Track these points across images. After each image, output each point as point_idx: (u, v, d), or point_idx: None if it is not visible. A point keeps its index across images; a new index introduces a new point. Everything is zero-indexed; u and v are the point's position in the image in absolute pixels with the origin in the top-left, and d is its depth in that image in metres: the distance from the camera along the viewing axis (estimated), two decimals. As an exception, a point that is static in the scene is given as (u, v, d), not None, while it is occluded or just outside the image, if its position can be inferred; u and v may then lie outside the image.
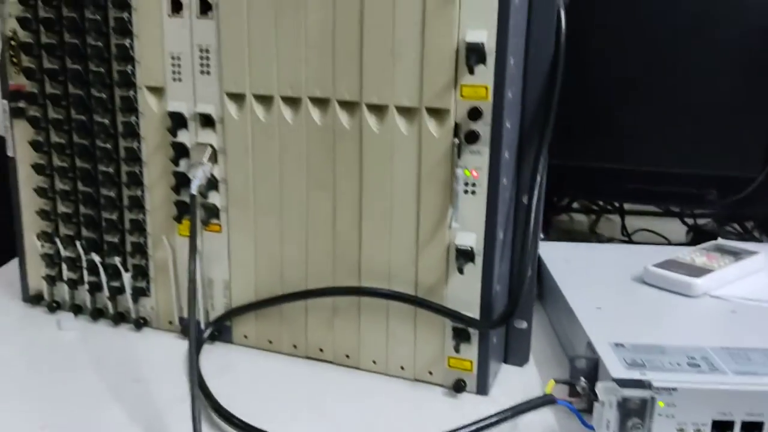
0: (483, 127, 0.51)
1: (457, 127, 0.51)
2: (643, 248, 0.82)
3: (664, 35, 0.80)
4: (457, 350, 0.55)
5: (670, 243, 0.93)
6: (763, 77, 0.78)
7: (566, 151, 0.74)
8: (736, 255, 0.72)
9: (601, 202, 1.01)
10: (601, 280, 0.68)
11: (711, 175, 0.83)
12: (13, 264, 0.77)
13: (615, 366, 0.49)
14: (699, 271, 0.67)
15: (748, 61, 0.79)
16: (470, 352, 0.55)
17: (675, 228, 0.97)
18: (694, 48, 0.80)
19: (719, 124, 0.81)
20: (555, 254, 0.75)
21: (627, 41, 0.81)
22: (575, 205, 1.04)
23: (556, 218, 1.05)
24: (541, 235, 0.84)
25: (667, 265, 0.68)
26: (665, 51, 0.80)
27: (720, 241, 0.78)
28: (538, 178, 0.54)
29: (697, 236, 0.92)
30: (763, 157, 0.80)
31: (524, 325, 0.59)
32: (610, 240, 0.97)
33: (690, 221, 0.95)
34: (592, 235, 1.00)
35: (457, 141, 0.51)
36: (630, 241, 0.94)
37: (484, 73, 0.49)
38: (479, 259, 0.53)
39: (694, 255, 0.71)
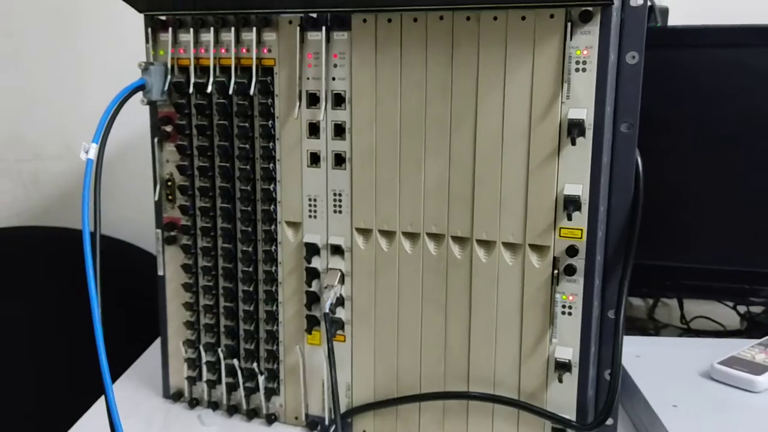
0: (578, 261, 0.61)
1: (555, 260, 0.62)
2: (704, 341, 0.91)
3: (717, 143, 0.90)
4: (555, 447, 0.64)
5: (725, 329, 1.02)
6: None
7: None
8: (792, 350, 0.80)
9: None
10: (672, 377, 0.77)
11: (762, 272, 0.91)
12: (145, 361, 0.89)
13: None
14: (760, 369, 0.75)
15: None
16: (567, 448, 0.64)
17: (730, 313, 1.05)
18: (744, 153, 0.90)
19: (766, 225, 0.91)
20: (626, 350, 0.83)
21: (680, 157, 0.91)
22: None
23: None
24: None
25: (731, 362, 0.77)
26: (717, 158, 0.91)
27: (772, 334, 0.87)
28: (623, 299, 0.64)
29: (750, 324, 1.00)
30: (810, 256, 0.89)
31: (611, 421, 0.68)
32: (667, 326, 1.06)
33: (743, 310, 1.03)
34: (649, 321, 1.08)
35: (556, 272, 0.62)
36: (689, 329, 1.03)
37: (580, 219, 0.60)
38: (575, 370, 0.63)
39: (754, 351, 0.80)
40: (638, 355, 0.83)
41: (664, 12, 1.05)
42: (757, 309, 1.03)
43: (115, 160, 1.13)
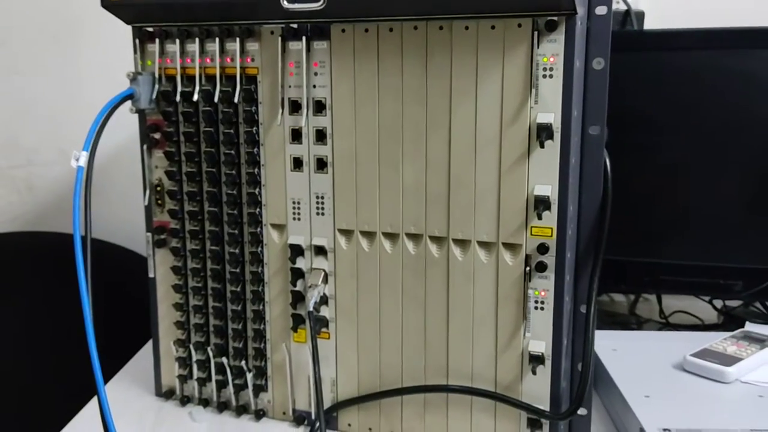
0: (549, 258, 0.64)
1: (527, 257, 0.64)
2: (680, 335, 0.94)
3: (693, 143, 0.93)
4: (531, 437, 0.67)
5: (703, 323, 1.05)
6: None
7: (608, 247, 0.86)
8: (762, 342, 0.83)
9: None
10: (646, 369, 0.80)
11: (736, 267, 0.94)
12: (137, 361, 0.92)
13: (665, 451, 0.61)
14: (730, 360, 0.78)
15: (759, 169, 0.92)
16: (542, 438, 0.67)
17: (709, 308, 1.08)
18: (717, 159, 0.93)
19: (740, 221, 0.94)
20: (604, 343, 0.87)
21: (657, 157, 0.95)
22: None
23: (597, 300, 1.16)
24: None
25: (703, 354, 0.80)
26: (692, 161, 0.94)
27: (747, 327, 0.90)
28: (593, 294, 0.67)
29: (727, 318, 1.04)
30: (782, 252, 0.92)
31: (585, 412, 0.71)
32: (648, 321, 1.09)
33: (720, 304, 1.06)
34: (631, 317, 1.11)
35: (528, 269, 0.64)
36: (667, 323, 1.06)
37: (550, 218, 0.63)
38: (548, 362, 0.66)
39: (726, 344, 0.83)
40: (615, 348, 0.86)
41: (640, 16, 1.08)
42: (734, 303, 1.07)
43: (109, 165, 1.16)
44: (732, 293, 0.96)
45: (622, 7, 1.09)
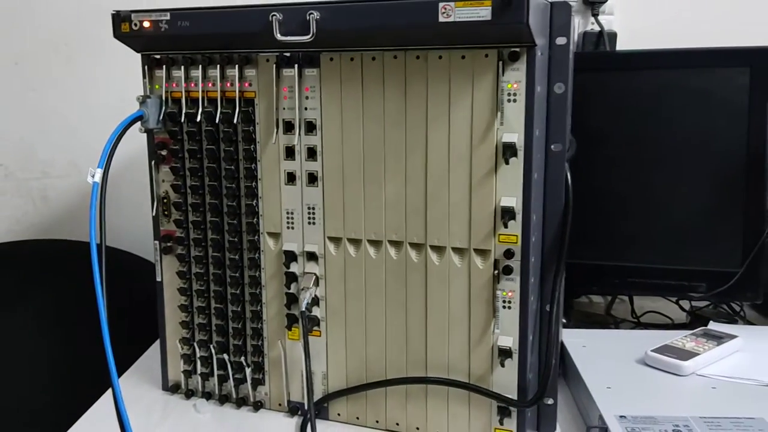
0: (515, 262, 0.71)
1: (496, 262, 0.72)
2: (647, 333, 1.01)
3: (656, 162, 1.01)
4: (501, 423, 0.75)
5: (673, 322, 1.12)
6: (732, 194, 0.98)
7: (581, 252, 0.93)
8: (719, 339, 0.90)
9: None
10: (611, 363, 0.87)
11: (700, 270, 1.02)
12: (145, 359, 0.99)
13: (618, 434, 0.69)
14: (688, 355, 0.86)
15: (719, 180, 0.99)
16: (511, 424, 0.75)
17: (677, 308, 1.15)
18: (681, 170, 1.01)
19: (703, 228, 1.01)
20: (576, 340, 0.94)
21: (626, 168, 1.02)
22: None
23: (576, 301, 1.24)
24: (564, 321, 1.04)
25: (663, 349, 0.87)
26: (658, 172, 1.01)
27: (710, 325, 0.97)
28: (557, 294, 0.74)
29: (693, 318, 1.11)
30: (741, 255, 0.99)
31: (551, 401, 0.78)
32: (623, 320, 1.16)
33: (687, 305, 1.14)
34: (608, 317, 1.19)
35: (496, 272, 0.72)
36: (638, 323, 1.13)
37: (515, 226, 0.71)
38: (516, 356, 0.73)
39: (685, 340, 0.90)
40: (585, 345, 0.93)
41: (612, 37, 1.16)
42: (701, 303, 1.14)
43: (119, 179, 1.23)
44: (696, 294, 1.03)
45: (597, 28, 1.17)
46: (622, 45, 1.17)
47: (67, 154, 1.34)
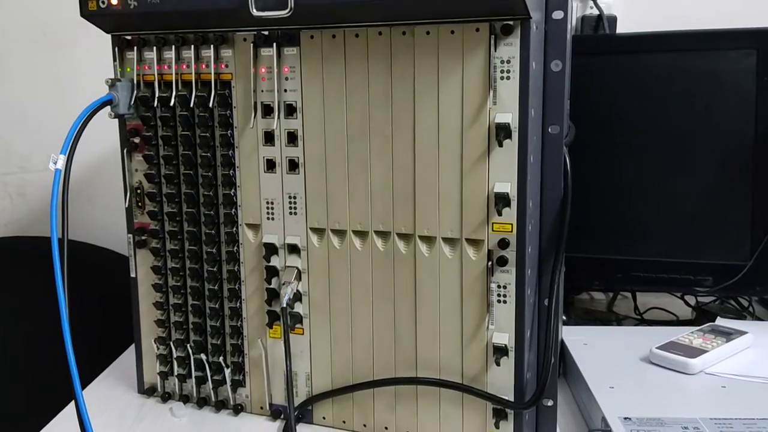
0: (510, 253, 0.66)
1: (489, 252, 0.67)
2: (651, 329, 0.96)
3: (663, 142, 0.96)
4: (497, 426, 0.69)
5: (678, 319, 1.07)
6: (740, 183, 0.93)
7: (582, 245, 0.89)
8: (728, 335, 0.85)
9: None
10: (614, 361, 0.82)
11: (706, 263, 0.97)
12: (122, 360, 0.94)
13: (622, 437, 0.63)
14: (695, 352, 0.81)
15: (726, 168, 0.94)
16: (507, 427, 0.69)
17: (684, 305, 1.10)
18: (687, 158, 0.96)
19: (709, 218, 0.96)
20: (576, 338, 0.89)
21: (629, 156, 0.97)
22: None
23: (577, 298, 1.19)
24: (564, 318, 0.99)
25: (669, 346, 0.82)
26: (662, 160, 0.97)
27: (717, 321, 0.92)
28: (556, 287, 0.69)
29: (699, 314, 1.06)
30: (749, 248, 0.95)
31: (550, 403, 0.73)
32: (626, 317, 1.11)
33: (693, 301, 1.09)
34: (610, 314, 1.14)
35: (490, 263, 0.67)
36: (642, 320, 1.08)
37: (509, 214, 0.65)
38: (512, 354, 0.68)
39: (692, 337, 0.85)
40: (586, 342, 0.88)
41: (612, 20, 1.11)
42: (706, 299, 1.09)
43: (93, 172, 1.18)
44: (702, 288, 0.98)
45: (595, 12, 1.12)
46: (622, 29, 1.12)
47: (45, 149, 1.29)
